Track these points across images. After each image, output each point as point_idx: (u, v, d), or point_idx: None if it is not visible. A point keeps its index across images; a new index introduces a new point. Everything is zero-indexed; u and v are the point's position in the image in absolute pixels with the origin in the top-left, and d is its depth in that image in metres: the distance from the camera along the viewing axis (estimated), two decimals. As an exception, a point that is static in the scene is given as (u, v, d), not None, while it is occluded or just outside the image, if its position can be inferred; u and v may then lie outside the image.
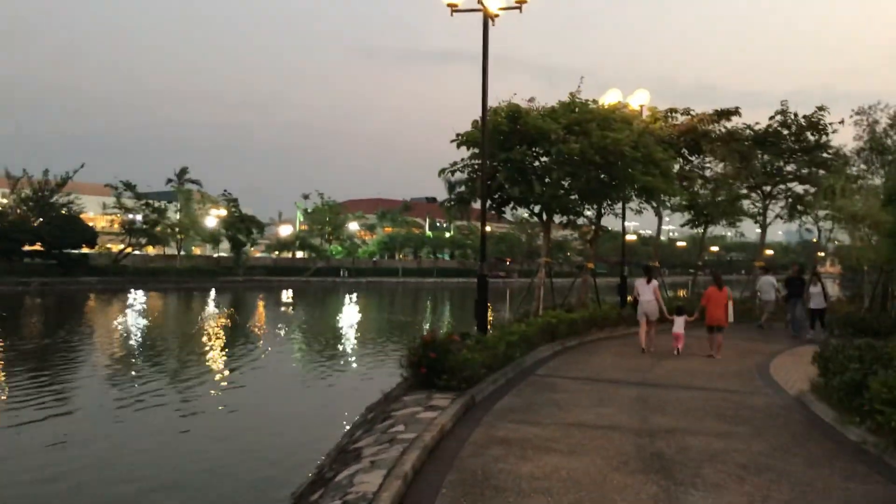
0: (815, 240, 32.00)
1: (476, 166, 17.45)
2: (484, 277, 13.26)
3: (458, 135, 17.15)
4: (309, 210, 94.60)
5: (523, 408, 9.77)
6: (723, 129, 24.47)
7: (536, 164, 17.77)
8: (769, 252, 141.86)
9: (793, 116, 26.75)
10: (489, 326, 14.31)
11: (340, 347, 27.54)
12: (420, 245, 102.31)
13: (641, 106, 19.58)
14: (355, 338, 30.96)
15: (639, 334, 16.83)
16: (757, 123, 26.73)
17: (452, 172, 17.48)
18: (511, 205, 18.18)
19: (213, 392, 17.45)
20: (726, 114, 24.32)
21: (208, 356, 23.75)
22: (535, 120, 16.78)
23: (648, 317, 16.66)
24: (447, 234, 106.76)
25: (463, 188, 17.80)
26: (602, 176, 17.25)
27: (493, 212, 18.59)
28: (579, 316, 18.61)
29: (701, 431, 8.58)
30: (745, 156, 24.24)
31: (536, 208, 18.31)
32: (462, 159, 17.55)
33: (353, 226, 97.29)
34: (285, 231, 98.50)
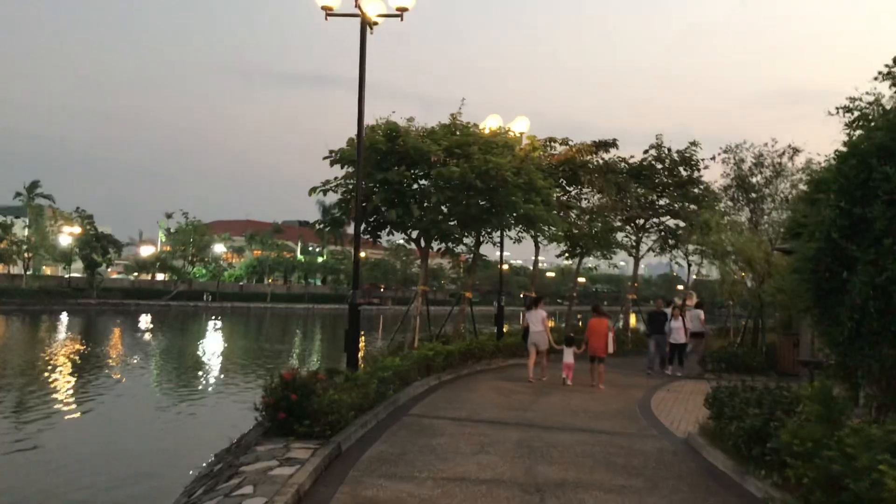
0: (675, 273, 32.73)
1: (351, 186, 16.28)
2: (356, 307, 12.06)
3: (331, 151, 15.95)
4: (172, 230, 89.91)
5: (396, 457, 8.60)
6: (600, 161, 24.44)
7: (415, 186, 16.80)
8: (634, 284, 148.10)
9: (666, 151, 27.20)
10: (360, 361, 13.20)
11: (197, 380, 25.38)
12: (291, 269, 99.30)
13: (521, 133, 19.03)
14: (215, 369, 28.77)
15: (528, 364, 16.67)
16: (632, 157, 27.03)
17: (325, 192, 16.21)
18: (387, 229, 17.09)
19: (40, 430, 15.23)
20: (604, 145, 24.34)
21: (46, 389, 21.15)
22: (414, 140, 15.84)
23: (537, 347, 16.70)
24: (320, 259, 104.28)
25: (336, 210, 16.54)
26: (482, 202, 16.46)
27: (367, 236, 17.44)
28: (456, 348, 17.70)
29: (593, 485, 7.69)
30: (622, 187, 24.28)
31: (414, 234, 17.31)
32: (336, 178, 16.33)
33: (220, 248, 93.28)
34: (146, 251, 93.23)
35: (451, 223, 16.82)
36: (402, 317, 18.99)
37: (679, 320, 19.97)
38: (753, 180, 33.93)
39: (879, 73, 32.62)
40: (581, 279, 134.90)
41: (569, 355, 16.73)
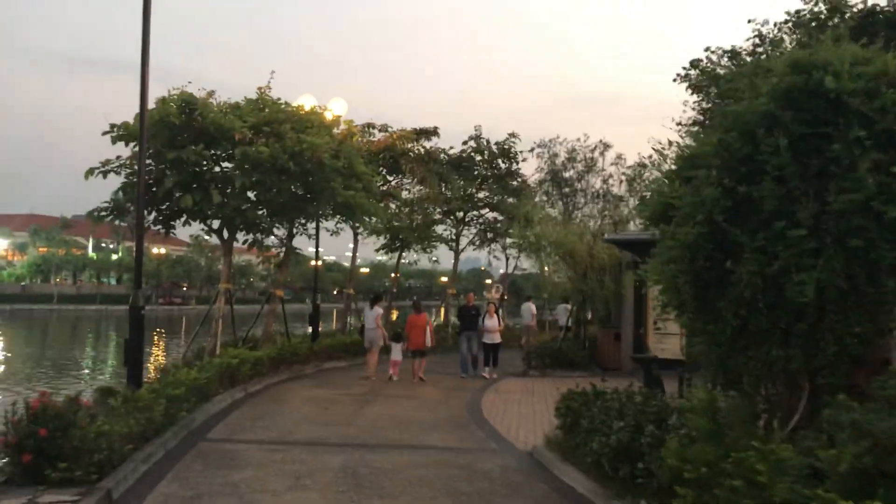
0: (483, 268, 32.41)
1: (137, 165, 13.85)
2: (138, 311, 9.82)
3: (112, 126, 13.38)
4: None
5: (187, 503, 6.68)
6: (421, 149, 23.20)
7: (217, 169, 14.60)
8: (443, 279, 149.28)
9: (485, 143, 26.51)
10: (154, 374, 11.05)
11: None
12: (81, 268, 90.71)
13: (338, 116, 17.24)
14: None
15: (368, 361, 16.89)
16: (451, 148, 26.05)
17: (105, 174, 13.59)
18: (184, 218, 14.71)
19: None
20: (425, 133, 23.09)
21: None
22: (215, 114, 13.66)
23: (373, 344, 16.92)
24: (114, 256, 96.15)
25: (120, 194, 13.97)
26: (296, 188, 14.55)
27: (160, 227, 14.99)
28: (266, 353, 15.70)
29: (438, 525, 6.22)
30: (443, 178, 23.16)
31: (216, 223, 15.07)
32: (118, 157, 13.74)
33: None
34: None
35: (260, 212, 14.74)
36: (202, 319, 16.67)
37: (494, 318, 18.27)
38: (566, 175, 34.31)
39: (678, 75, 34.16)
40: (393, 274, 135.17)
41: (396, 352, 17.06)
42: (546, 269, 20.78)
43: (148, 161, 13.99)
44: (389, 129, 22.05)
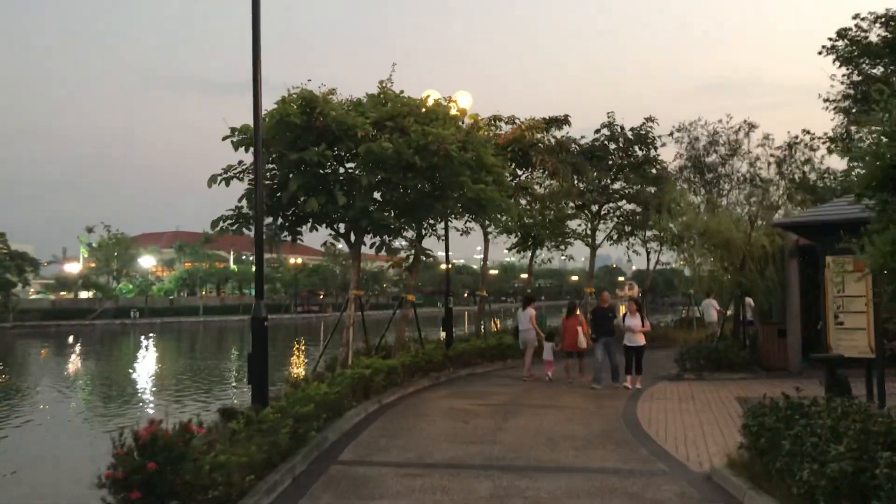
0: (613, 265, 30.52)
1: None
2: (261, 323, 9.09)
3: (233, 130, 12.87)
4: (94, 245, 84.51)
5: (314, 547, 5.74)
6: (552, 140, 21.81)
7: (341, 170, 13.88)
8: (573, 278, 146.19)
9: (619, 129, 24.81)
10: (286, 388, 10.35)
11: (110, 413, 21.93)
12: (224, 280, 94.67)
13: (463, 109, 16.17)
14: (141, 395, 25.30)
15: (524, 362, 17.08)
16: (582, 137, 24.52)
17: (227, 181, 13.12)
18: (309, 224, 14.07)
19: None
20: (555, 122, 21.69)
21: None
22: (337, 112, 12.91)
23: (526, 344, 17.11)
24: (254, 268, 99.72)
25: (244, 202, 13.48)
26: (423, 185, 13.59)
27: (286, 234, 14.44)
28: (399, 361, 14.87)
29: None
30: (578, 169, 21.67)
31: (342, 227, 14.36)
32: (240, 162, 13.26)
33: (148, 261, 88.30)
34: (72, 269, 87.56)
35: (386, 212, 13.88)
36: (333, 328, 16.02)
37: (636, 317, 15.55)
38: (709, 160, 31.89)
39: (823, 47, 31.09)
40: (523, 275, 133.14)
41: (548, 352, 16.93)
42: (697, 261, 18.83)
43: (270, 165, 13.48)
44: (517, 122, 20.80)
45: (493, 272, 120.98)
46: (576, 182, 22.27)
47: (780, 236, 17.58)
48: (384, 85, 14.00)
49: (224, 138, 12.86)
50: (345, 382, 11.43)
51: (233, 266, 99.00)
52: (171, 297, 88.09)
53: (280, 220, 14.09)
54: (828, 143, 31.72)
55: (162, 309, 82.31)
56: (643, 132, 24.56)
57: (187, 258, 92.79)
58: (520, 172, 21.08)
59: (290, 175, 12.94)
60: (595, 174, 23.63)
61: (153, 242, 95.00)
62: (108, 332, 66.45)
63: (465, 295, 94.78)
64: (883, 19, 28.54)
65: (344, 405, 11.13)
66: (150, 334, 63.66)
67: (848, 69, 29.99)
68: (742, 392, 14.33)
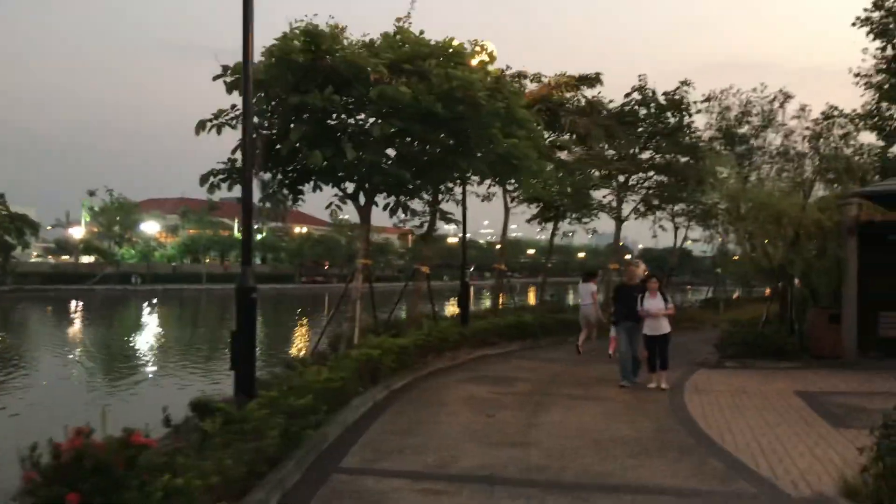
0: (620, 242, 28.58)
1: (258, 118, 11.56)
2: (248, 293, 7.36)
3: (225, 68, 11.04)
4: (96, 209, 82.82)
5: None
6: (581, 100, 19.86)
7: (350, 121, 12.06)
8: (581, 255, 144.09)
9: (651, 94, 22.84)
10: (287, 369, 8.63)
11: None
12: (228, 248, 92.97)
13: (493, 55, 14.18)
14: (140, 364, 23.75)
15: (579, 337, 16.67)
16: (611, 101, 22.50)
17: (218, 129, 11.32)
18: (313, 181, 12.27)
19: None
20: (586, 80, 19.70)
21: None
22: (346, 51, 11.08)
23: (587, 319, 16.71)
24: (259, 237, 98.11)
25: (238, 154, 11.69)
26: (445, 139, 11.70)
27: (287, 192, 12.66)
28: (411, 341, 13.18)
29: None
30: (612, 132, 19.70)
31: (350, 187, 12.57)
32: (233, 107, 11.42)
33: (151, 227, 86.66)
34: (77, 233, 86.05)
35: (404, 173, 12.00)
36: (338, 300, 14.32)
37: (657, 297, 12.22)
38: (741, 131, 29.90)
39: (857, 18, 28.97)
40: (530, 251, 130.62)
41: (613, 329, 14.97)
42: (745, 238, 16.87)
43: (269, 114, 11.70)
44: (543, 79, 18.85)
45: (498, 247, 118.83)
46: (605, 148, 20.38)
47: (838, 211, 15.75)
48: (402, 23, 12.10)
49: (215, 78, 11.06)
50: (350, 366, 9.73)
51: (237, 234, 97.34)
52: (173, 264, 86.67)
53: (279, 177, 12.31)
54: (856, 120, 29.82)
55: (164, 275, 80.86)
56: (677, 97, 22.59)
57: (191, 225, 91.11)
58: (546, 135, 19.19)
59: (291, 124, 11.14)
60: (623, 143, 21.74)
61: (157, 208, 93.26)
62: (108, 298, 65.08)
63: (471, 269, 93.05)
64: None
65: (349, 391, 9.44)
66: (152, 301, 62.31)
67: (882, 42, 28.04)
68: (798, 385, 12.64)
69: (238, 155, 11.82)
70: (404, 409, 10.05)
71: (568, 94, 18.67)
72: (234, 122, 11.35)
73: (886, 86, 28.72)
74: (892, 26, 27.71)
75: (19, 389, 18.97)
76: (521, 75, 19.05)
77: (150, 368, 23.19)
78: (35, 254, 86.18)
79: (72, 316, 47.92)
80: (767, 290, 39.80)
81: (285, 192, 12.37)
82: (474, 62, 12.53)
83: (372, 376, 10.97)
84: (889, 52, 28.02)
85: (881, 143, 29.20)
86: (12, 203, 70.54)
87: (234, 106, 11.31)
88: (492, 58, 12.69)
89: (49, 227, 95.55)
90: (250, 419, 6.30)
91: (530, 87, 19.16)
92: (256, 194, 12.54)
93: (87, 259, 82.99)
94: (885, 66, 28.23)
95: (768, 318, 16.80)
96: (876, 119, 29.29)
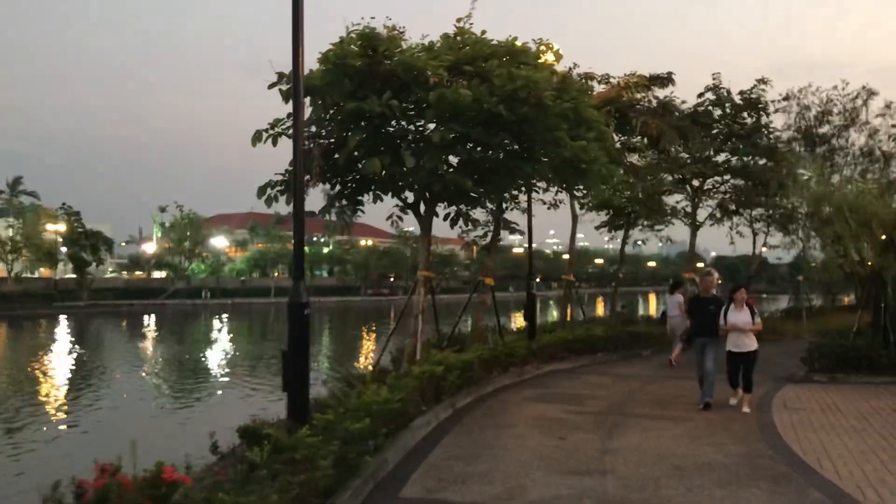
0: (694, 251, 27.23)
1: (315, 126, 11.19)
2: (301, 309, 6.88)
3: (280, 75, 10.68)
4: (167, 225, 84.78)
5: None
6: (653, 101, 18.95)
7: (410, 127, 11.57)
8: (651, 264, 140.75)
9: (726, 93, 21.75)
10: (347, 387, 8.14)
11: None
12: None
13: (559, 54, 13.48)
14: (210, 380, 23.84)
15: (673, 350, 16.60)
16: (683, 102, 21.47)
17: (274, 139, 10.95)
18: (372, 191, 11.81)
19: None
20: (658, 80, 18.78)
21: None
22: (404, 54, 10.61)
23: (675, 330, 16.59)
24: (325, 250, 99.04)
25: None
26: (509, 143, 11.06)
27: (345, 203, 12.23)
28: (476, 355, 12.55)
29: None
30: (686, 133, 18.72)
31: (410, 196, 12.06)
32: (289, 115, 11.02)
33: (220, 241, 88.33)
34: (150, 249, 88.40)
35: (467, 181, 11.38)
36: (401, 313, 13.84)
37: (744, 311, 10.88)
38: (821, 131, 28.46)
39: None
40: (598, 260, 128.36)
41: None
42: (833, 242, 15.72)
43: (325, 119, 11.30)
44: (612, 80, 18.04)
45: (565, 256, 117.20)
46: (678, 152, 19.42)
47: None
48: (462, 24, 11.55)
49: (271, 86, 10.72)
50: (411, 385, 9.18)
51: (305, 248, 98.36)
52: (242, 278, 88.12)
53: (338, 188, 11.89)
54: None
55: (233, 289, 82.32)
56: (754, 96, 21.45)
57: (259, 239, 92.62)
58: (616, 138, 18.39)
59: (349, 132, 10.71)
60: (706, 140, 20.70)
61: (226, 223, 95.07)
62: (179, 313, 66.45)
63: (538, 280, 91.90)
64: None
65: (410, 413, 8.88)
66: (222, 315, 63.26)
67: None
68: (897, 402, 11.60)
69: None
70: (469, 430, 9.45)
71: (638, 95, 17.82)
72: (290, 131, 10.96)
73: None
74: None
75: (88, 407, 19.11)
76: (588, 76, 18.27)
77: (219, 384, 23.16)
78: (110, 269, 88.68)
79: (144, 330, 48.87)
80: (846, 299, 37.78)
81: (344, 202, 11.92)
82: (539, 62, 11.87)
83: (435, 394, 10.41)
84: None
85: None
86: (87, 220, 72.84)
87: (290, 115, 10.92)
88: (558, 57, 12.02)
89: (123, 244, 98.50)
90: (301, 447, 5.80)
91: (598, 88, 18.38)
92: (319, 206, 12.21)
93: (158, 274, 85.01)
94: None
95: (860, 328, 15.60)
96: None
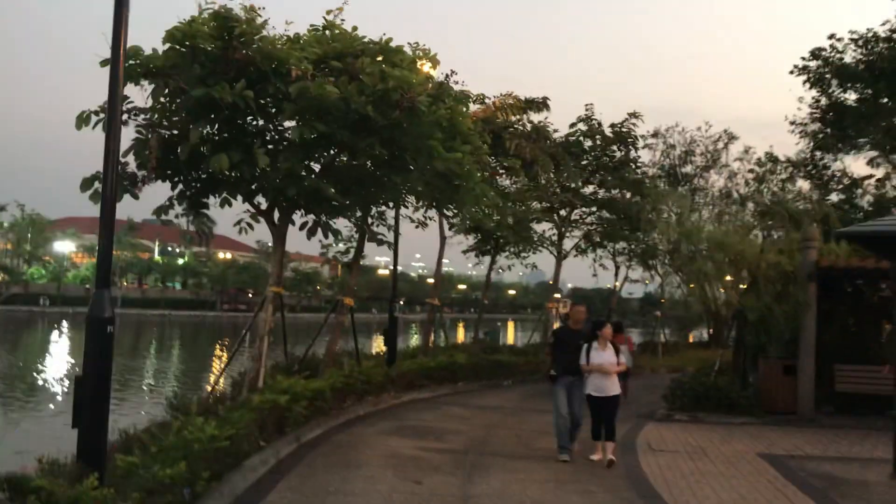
0: (550, 281, 27.40)
1: (157, 115, 9.77)
2: (103, 325, 5.53)
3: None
4: (5, 225, 78.07)
5: None
6: (527, 125, 18.51)
7: (269, 125, 10.33)
8: (512, 292, 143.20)
9: (597, 125, 21.74)
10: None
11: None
12: (146, 271, 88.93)
13: (437, 60, 12.59)
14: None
15: None
16: (556, 130, 21.20)
17: (105, 124, 9.44)
18: (218, 193, 10.44)
19: None
20: (534, 104, 18.36)
21: None
22: (264, 41, 9.41)
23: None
24: (180, 261, 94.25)
25: (132, 156, 9.84)
26: (377, 150, 10.04)
27: (183, 207, 10.78)
28: (328, 383, 11.40)
29: None
30: (558, 159, 18.37)
31: (264, 202, 10.78)
32: (125, 98, 9.52)
33: (66, 246, 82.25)
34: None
35: (324, 182, 10.24)
36: (244, 333, 12.47)
37: (608, 350, 9.61)
38: (684, 170, 29.33)
39: (795, 66, 28.91)
40: (461, 286, 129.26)
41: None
42: (697, 279, 15.61)
43: (171, 107, 9.91)
44: (487, 101, 17.46)
45: (430, 280, 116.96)
46: (549, 179, 19.10)
47: (796, 255, 14.72)
48: (333, 16, 10.46)
49: (104, 63, 9.18)
50: (248, 417, 7.90)
51: (157, 257, 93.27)
52: (87, 286, 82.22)
53: (180, 186, 10.46)
54: (790, 168, 29.76)
55: (76, 298, 76.48)
56: (624, 130, 21.55)
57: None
58: (491, 160, 17.74)
59: (192, 120, 9.37)
60: (576, 170, 20.52)
61: (74, 226, 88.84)
62: (12, 320, 60.90)
63: (402, 302, 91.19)
64: (861, 41, 26.63)
65: (243, 451, 7.60)
66: (62, 324, 58.50)
67: (818, 91, 28.01)
68: (760, 445, 11.38)
69: (130, 158, 9.99)
70: (313, 470, 8.25)
71: (513, 118, 17.32)
72: (127, 115, 9.49)
73: (821, 135, 28.71)
74: (827, 76, 27.68)
75: None
76: (463, 95, 17.58)
77: (42, 400, 20.61)
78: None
79: (35, 338, 44.24)
80: (690, 337, 39.10)
81: (185, 206, 10.49)
82: (415, 65, 10.95)
83: (278, 426, 9.19)
84: (823, 102, 28.07)
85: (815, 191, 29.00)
86: None
87: (126, 98, 9.45)
88: (434, 63, 11.16)
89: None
90: (85, 501, 4.47)
91: (473, 108, 17.72)
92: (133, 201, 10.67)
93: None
94: (819, 116, 28.23)
95: (721, 367, 15.55)
96: (810, 167, 29.22)
